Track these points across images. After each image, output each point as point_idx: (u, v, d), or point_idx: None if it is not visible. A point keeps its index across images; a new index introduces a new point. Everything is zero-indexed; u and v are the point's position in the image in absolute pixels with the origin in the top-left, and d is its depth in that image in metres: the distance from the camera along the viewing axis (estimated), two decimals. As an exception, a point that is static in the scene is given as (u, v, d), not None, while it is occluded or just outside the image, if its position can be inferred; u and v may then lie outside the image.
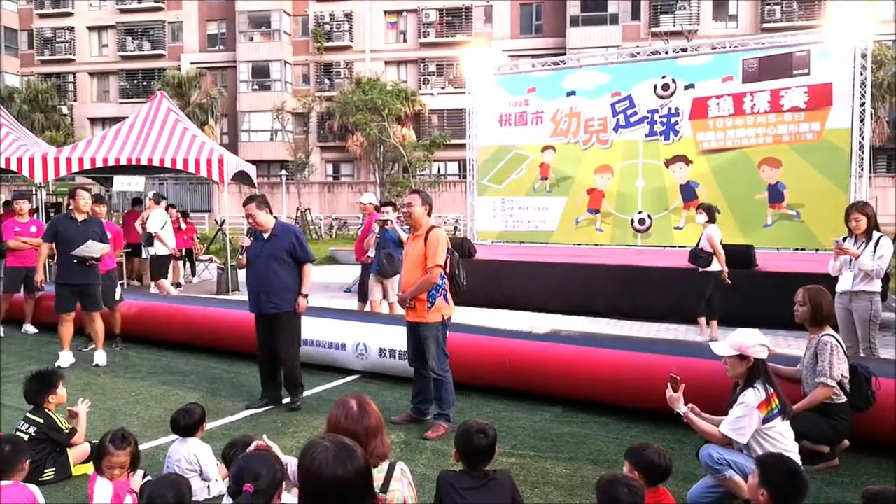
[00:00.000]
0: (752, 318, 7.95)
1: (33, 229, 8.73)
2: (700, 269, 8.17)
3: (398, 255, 8.22)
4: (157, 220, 10.62)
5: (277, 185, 33.51)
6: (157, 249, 10.52)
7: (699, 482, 3.71)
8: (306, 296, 5.66)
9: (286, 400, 5.71)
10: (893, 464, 4.28)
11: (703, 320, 8.22)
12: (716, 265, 8.06)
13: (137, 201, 12.85)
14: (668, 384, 3.65)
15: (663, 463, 3.17)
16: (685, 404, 3.64)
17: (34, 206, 13.91)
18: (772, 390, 3.52)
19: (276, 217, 5.80)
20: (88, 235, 6.98)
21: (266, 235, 5.58)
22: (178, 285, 13.26)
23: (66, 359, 7.00)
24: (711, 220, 8.21)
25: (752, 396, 3.48)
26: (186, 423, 3.91)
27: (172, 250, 10.73)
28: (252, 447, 2.77)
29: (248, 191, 21.65)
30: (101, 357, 7.08)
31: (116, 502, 3.37)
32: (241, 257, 5.75)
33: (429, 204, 5.16)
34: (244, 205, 5.56)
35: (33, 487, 3.36)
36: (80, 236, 6.93)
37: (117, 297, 7.90)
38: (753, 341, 3.57)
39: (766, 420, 3.47)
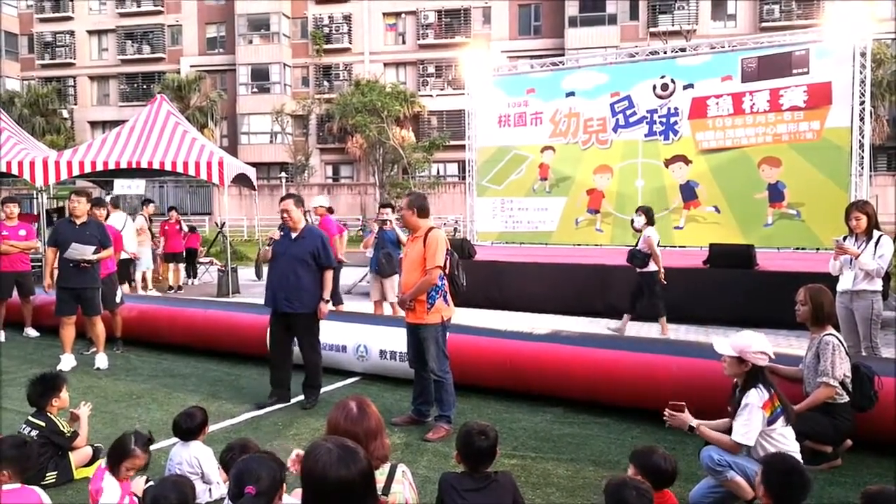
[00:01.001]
0: (752, 318, 8.01)
1: (22, 233, 8.67)
2: (637, 269, 8.32)
3: (396, 255, 8.34)
4: (115, 224, 10.56)
5: (277, 188, 33.47)
6: None
7: (701, 483, 3.70)
8: (328, 301, 5.76)
9: (295, 399, 5.76)
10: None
11: (663, 320, 8.35)
12: (653, 265, 8.22)
13: (146, 202, 12.89)
14: (667, 413, 3.63)
15: (669, 468, 3.16)
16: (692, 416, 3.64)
17: (36, 211, 14.01)
18: (773, 391, 3.52)
19: (307, 221, 5.94)
20: (86, 238, 6.97)
21: (294, 235, 5.70)
22: (179, 288, 13.27)
23: (67, 362, 7.00)
24: (650, 222, 8.38)
25: (756, 396, 3.47)
26: (188, 427, 3.91)
27: (131, 254, 10.63)
28: (293, 456, 2.83)
29: (248, 193, 21.77)
30: (102, 360, 7.09)
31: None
32: (266, 248, 5.82)
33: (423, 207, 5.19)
34: (282, 200, 5.78)
35: (39, 490, 3.35)
36: (76, 239, 6.93)
37: (118, 299, 7.90)
38: (756, 348, 3.54)
39: (770, 422, 3.46)
